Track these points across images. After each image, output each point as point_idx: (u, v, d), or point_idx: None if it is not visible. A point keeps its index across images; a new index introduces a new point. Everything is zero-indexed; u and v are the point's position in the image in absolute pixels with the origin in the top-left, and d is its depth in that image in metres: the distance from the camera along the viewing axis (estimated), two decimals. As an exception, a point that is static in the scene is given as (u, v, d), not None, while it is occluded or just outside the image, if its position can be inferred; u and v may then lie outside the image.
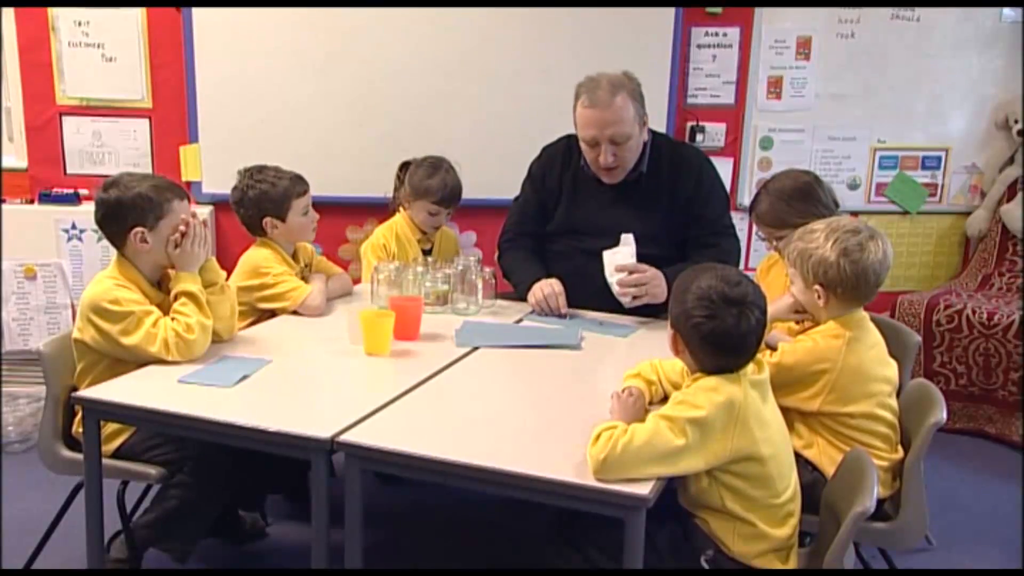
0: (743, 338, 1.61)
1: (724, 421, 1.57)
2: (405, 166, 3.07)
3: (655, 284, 2.53)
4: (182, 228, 2.16)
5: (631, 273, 2.54)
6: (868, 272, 1.93)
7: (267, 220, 2.60)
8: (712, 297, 1.61)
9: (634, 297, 2.53)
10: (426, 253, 3.02)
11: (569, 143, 2.84)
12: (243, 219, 2.64)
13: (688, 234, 2.73)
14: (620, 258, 2.57)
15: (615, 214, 2.70)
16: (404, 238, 3.00)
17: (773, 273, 2.48)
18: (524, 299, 2.72)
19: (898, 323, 2.63)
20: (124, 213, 2.12)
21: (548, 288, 2.64)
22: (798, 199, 2.32)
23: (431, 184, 2.93)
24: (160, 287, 2.22)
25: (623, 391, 1.83)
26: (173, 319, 2.09)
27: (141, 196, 2.12)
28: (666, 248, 2.68)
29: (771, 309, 2.07)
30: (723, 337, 1.60)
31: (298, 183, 2.63)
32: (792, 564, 1.70)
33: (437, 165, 2.98)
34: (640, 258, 2.59)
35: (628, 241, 2.59)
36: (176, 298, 2.14)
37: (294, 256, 2.70)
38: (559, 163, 2.85)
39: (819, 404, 1.93)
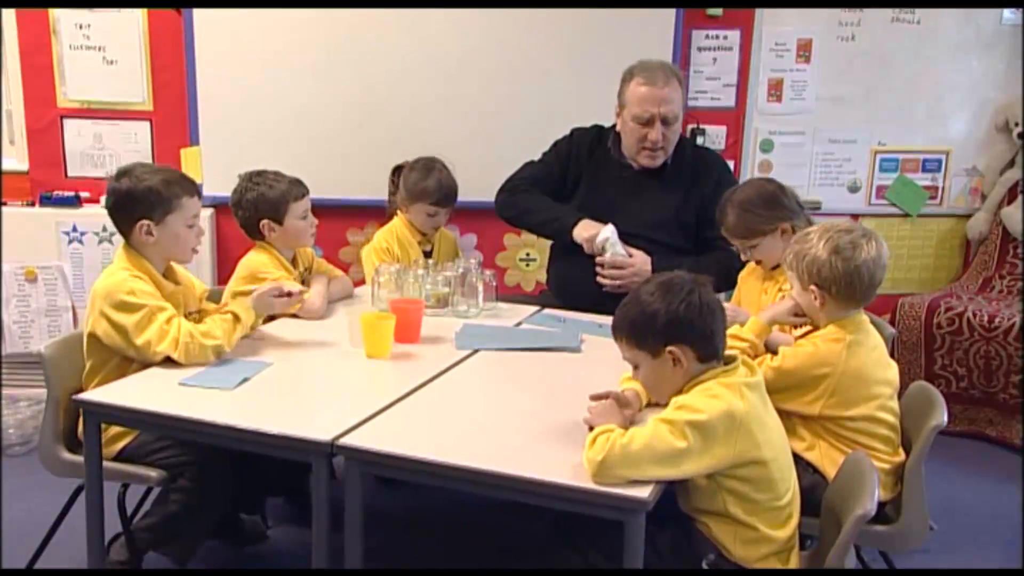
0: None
1: (727, 426, 1.57)
2: (397, 170, 3.08)
3: (634, 283, 2.61)
4: (291, 291, 2.29)
5: (613, 267, 2.67)
6: (860, 270, 1.92)
7: (264, 223, 2.59)
8: (674, 288, 1.65)
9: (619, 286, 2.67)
10: (426, 255, 3.02)
11: (600, 133, 2.88)
12: (241, 222, 2.63)
13: (700, 235, 2.79)
14: (604, 250, 2.67)
15: (632, 200, 2.76)
16: (405, 241, 3.00)
17: (750, 282, 2.49)
18: (553, 234, 2.85)
19: (873, 316, 2.63)
20: (133, 204, 2.13)
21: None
22: (763, 206, 2.33)
23: (427, 185, 2.94)
24: (167, 277, 2.23)
25: (602, 392, 1.78)
26: (204, 321, 2.13)
27: (151, 190, 2.13)
28: (676, 236, 2.77)
29: (772, 312, 2.09)
30: (708, 303, 1.64)
31: (296, 186, 2.62)
32: (792, 564, 1.69)
33: (430, 166, 2.98)
34: (650, 244, 2.69)
35: (606, 233, 2.67)
36: (223, 310, 2.19)
37: (293, 261, 2.68)
38: (586, 148, 2.89)
39: (820, 408, 1.93)
